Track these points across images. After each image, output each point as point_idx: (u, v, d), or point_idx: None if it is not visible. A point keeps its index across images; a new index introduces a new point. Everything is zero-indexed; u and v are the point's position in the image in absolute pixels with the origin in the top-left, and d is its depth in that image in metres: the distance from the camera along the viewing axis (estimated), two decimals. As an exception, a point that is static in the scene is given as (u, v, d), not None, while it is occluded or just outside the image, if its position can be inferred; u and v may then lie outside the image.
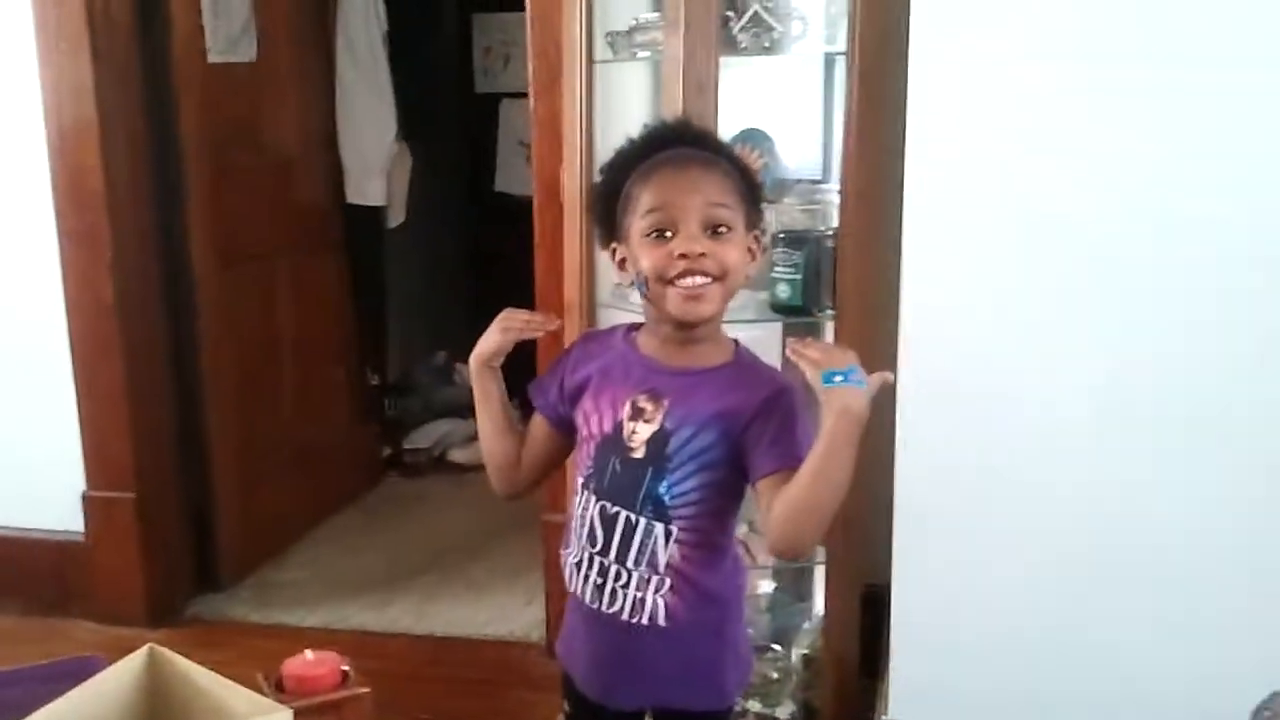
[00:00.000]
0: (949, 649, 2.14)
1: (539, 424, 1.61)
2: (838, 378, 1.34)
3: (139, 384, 2.89)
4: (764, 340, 2.48)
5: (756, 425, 1.43)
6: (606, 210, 1.52)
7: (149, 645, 1.65)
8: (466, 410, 1.65)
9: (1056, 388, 2.01)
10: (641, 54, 2.26)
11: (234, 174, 3.16)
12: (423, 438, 4.22)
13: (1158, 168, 1.89)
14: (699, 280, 1.42)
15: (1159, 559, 2.01)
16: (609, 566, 1.51)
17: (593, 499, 1.52)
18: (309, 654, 1.82)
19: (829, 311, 2.25)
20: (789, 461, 1.39)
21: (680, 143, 1.51)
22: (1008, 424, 2.04)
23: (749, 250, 1.49)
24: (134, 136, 2.84)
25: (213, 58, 3.05)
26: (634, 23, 2.25)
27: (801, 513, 1.36)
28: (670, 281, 1.43)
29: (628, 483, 1.49)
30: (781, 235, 2.24)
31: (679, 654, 1.53)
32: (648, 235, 1.44)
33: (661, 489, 1.48)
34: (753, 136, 2.32)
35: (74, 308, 2.83)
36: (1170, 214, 1.89)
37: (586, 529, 1.52)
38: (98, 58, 2.72)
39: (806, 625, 2.52)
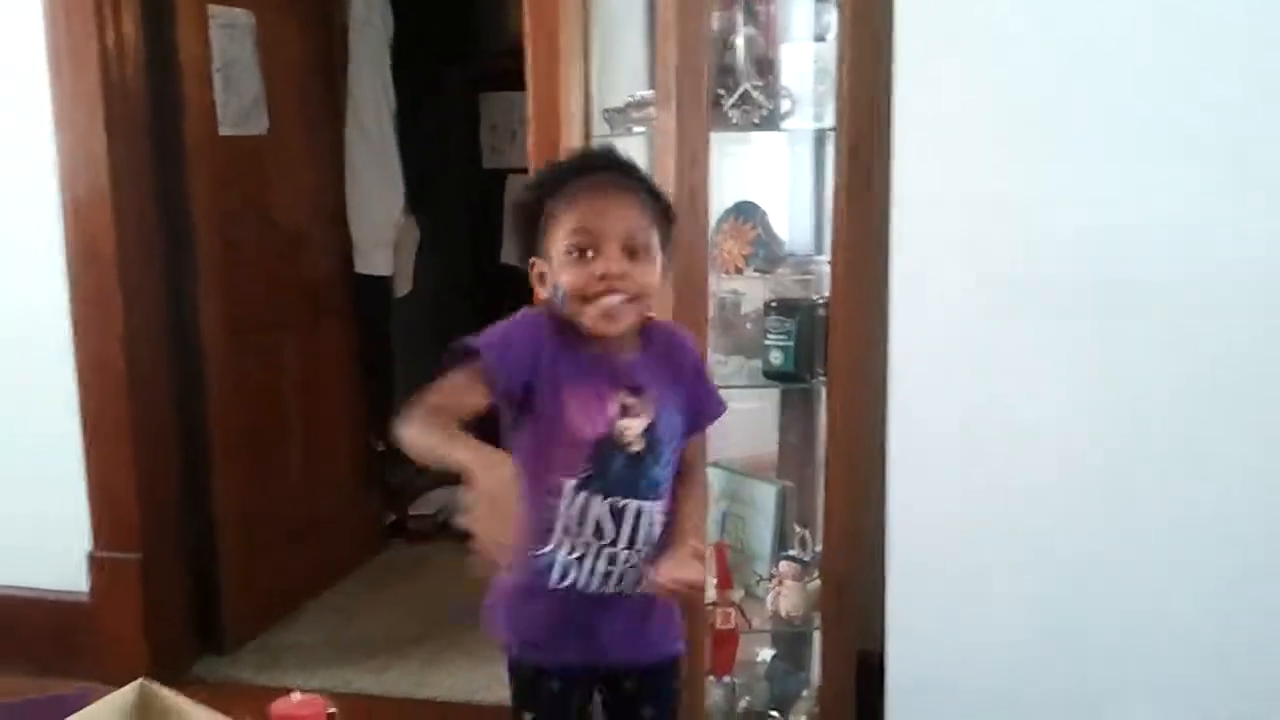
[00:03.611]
0: (944, 716, 2.15)
1: (479, 389, 1.52)
2: None
3: (147, 447, 2.93)
4: (759, 408, 2.56)
5: (689, 389, 1.66)
6: (529, 228, 1.60)
7: (140, 680, 1.68)
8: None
9: (1045, 450, 2.04)
10: (637, 129, 2.33)
11: (243, 244, 3.23)
12: (426, 504, 4.25)
13: (1133, 233, 1.95)
14: (616, 299, 1.51)
15: (1158, 617, 2.02)
16: (618, 553, 1.60)
17: (597, 498, 1.57)
18: (295, 696, 1.87)
19: (820, 378, 2.30)
20: (710, 419, 1.73)
21: (603, 169, 1.60)
22: (998, 488, 2.07)
23: (662, 269, 1.59)
24: (145, 205, 2.91)
25: (224, 130, 3.13)
26: (630, 99, 2.33)
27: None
28: (589, 300, 1.52)
29: (633, 476, 1.58)
30: (774, 304, 2.30)
31: (656, 601, 1.66)
32: (569, 254, 1.53)
33: (656, 472, 1.60)
34: (746, 209, 2.39)
35: (84, 370, 2.88)
36: (1144, 277, 1.95)
37: (592, 526, 1.58)
38: (112, 127, 2.79)
39: (805, 693, 2.53)
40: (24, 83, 2.81)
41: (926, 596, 2.14)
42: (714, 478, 2.33)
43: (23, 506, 2.99)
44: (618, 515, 1.58)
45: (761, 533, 2.46)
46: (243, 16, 3.19)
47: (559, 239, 1.54)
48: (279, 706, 1.86)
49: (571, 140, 2.37)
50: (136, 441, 2.90)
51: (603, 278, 1.51)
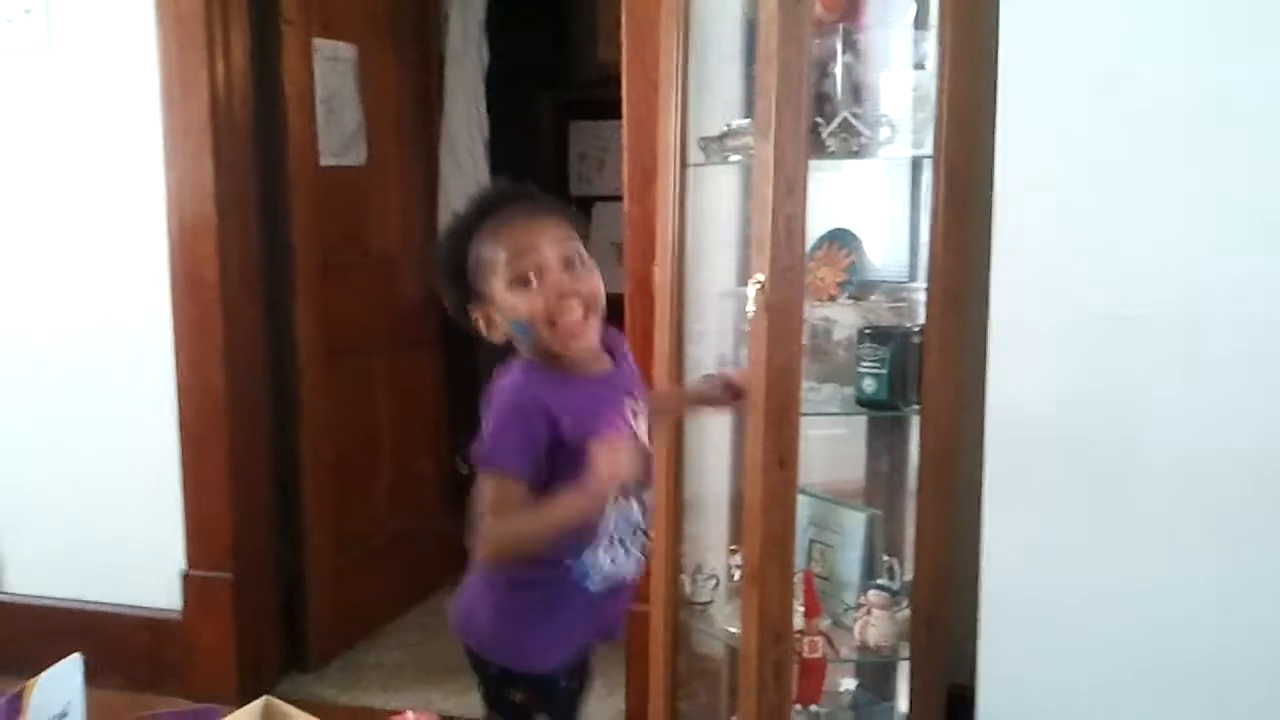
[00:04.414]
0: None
1: (522, 488, 1.58)
2: None
3: (242, 468, 3.00)
4: (846, 435, 2.54)
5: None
6: (457, 280, 1.64)
7: (265, 697, 1.72)
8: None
9: (1146, 486, 2.01)
10: (733, 158, 2.34)
11: (340, 271, 3.30)
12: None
13: (1242, 270, 1.92)
14: (577, 314, 1.57)
15: (1265, 659, 1.97)
16: (646, 535, 1.73)
17: (636, 496, 1.68)
18: (411, 714, 1.90)
19: (914, 406, 2.28)
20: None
21: (509, 202, 1.65)
22: (1096, 523, 2.04)
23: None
24: (248, 233, 2.99)
25: (325, 161, 3.21)
26: (726, 128, 2.34)
27: None
28: (554, 320, 1.56)
29: (647, 465, 1.71)
30: (868, 331, 2.29)
31: None
32: (516, 285, 1.57)
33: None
34: (841, 236, 2.39)
35: (185, 392, 2.96)
36: (1255, 316, 1.91)
37: (636, 519, 1.69)
38: (219, 158, 2.88)
39: (889, 725, 2.51)
40: (137, 112, 2.91)
41: (1020, 632, 2.11)
42: (801, 504, 2.32)
43: (122, 526, 3.07)
44: (642, 502, 1.70)
45: (850, 561, 2.44)
46: (345, 50, 3.28)
47: (499, 277, 1.58)
48: None
49: (667, 168, 2.39)
50: (232, 463, 2.97)
51: (560, 296, 1.56)
